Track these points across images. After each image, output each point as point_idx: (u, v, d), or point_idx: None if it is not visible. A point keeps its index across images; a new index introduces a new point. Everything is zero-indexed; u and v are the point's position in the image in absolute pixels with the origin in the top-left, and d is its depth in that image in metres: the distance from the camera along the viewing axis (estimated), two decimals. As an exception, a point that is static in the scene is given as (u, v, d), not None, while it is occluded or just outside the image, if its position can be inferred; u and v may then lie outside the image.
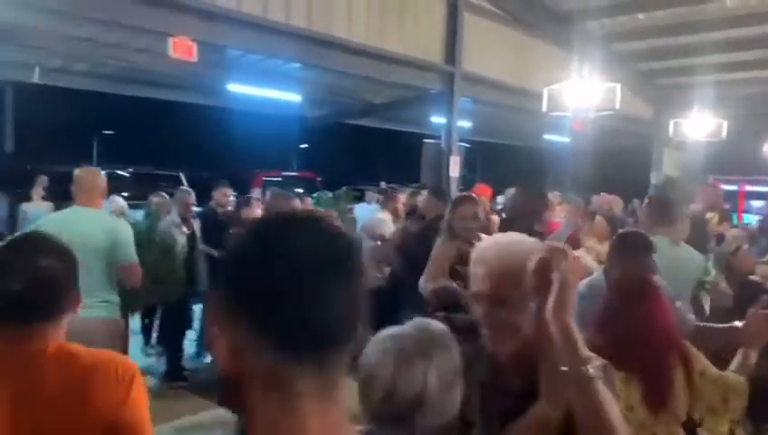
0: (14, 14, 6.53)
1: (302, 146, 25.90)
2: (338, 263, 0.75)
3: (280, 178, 14.30)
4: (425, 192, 6.62)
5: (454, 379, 1.27)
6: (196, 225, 6.16)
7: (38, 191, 8.21)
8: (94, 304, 3.14)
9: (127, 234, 3.52)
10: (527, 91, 10.09)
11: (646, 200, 5.35)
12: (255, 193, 10.60)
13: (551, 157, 17.70)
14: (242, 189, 10.56)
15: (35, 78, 8.75)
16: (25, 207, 8.06)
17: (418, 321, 1.36)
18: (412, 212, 5.09)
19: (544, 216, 4.03)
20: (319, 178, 15.53)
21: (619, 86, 6.35)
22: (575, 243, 5.18)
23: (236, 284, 0.75)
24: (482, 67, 9.52)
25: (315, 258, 0.74)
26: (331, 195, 9.20)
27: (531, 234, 3.35)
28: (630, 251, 2.74)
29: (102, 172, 4.04)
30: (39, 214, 7.83)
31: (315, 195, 9.45)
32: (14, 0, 5.51)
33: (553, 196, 6.32)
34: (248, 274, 0.74)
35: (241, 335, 0.73)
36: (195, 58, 6.18)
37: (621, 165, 14.12)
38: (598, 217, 6.22)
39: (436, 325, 1.34)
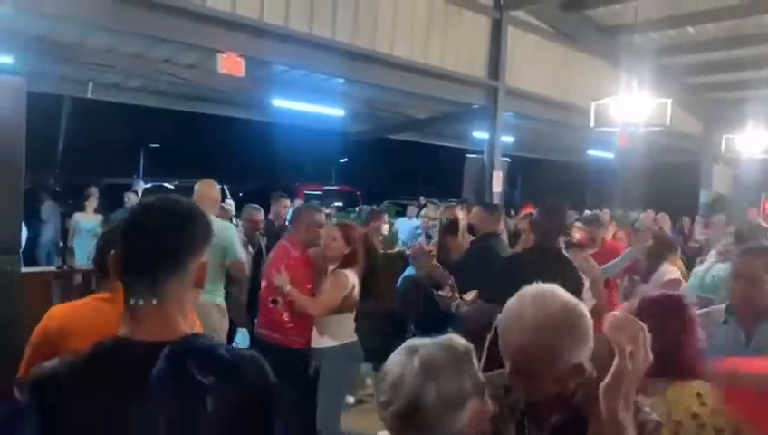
0: (72, 32, 6.81)
1: (343, 160, 26.10)
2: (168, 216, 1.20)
3: (321, 192, 14.42)
4: (465, 207, 6.58)
5: (458, 400, 1.26)
6: (263, 243, 5.57)
7: (90, 203, 8.44)
8: (209, 291, 3.96)
9: (234, 235, 4.41)
10: (571, 105, 9.96)
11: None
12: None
13: (594, 173, 17.39)
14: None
15: (89, 93, 9.05)
16: (77, 217, 8.29)
17: (446, 337, 1.36)
18: (449, 227, 4.98)
19: (564, 232, 3.92)
20: (358, 193, 15.60)
21: (670, 102, 6.19)
22: (634, 270, 5.02)
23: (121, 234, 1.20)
24: (526, 82, 9.44)
25: (154, 214, 1.21)
26: (371, 209, 9.19)
27: (554, 249, 3.34)
28: None
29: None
30: (91, 225, 8.04)
31: (357, 208, 9.46)
32: (71, 18, 5.69)
33: (604, 213, 6.16)
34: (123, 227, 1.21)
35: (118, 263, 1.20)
36: (242, 73, 6.30)
37: (669, 182, 13.76)
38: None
39: (462, 343, 1.34)
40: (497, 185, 9.23)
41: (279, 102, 9.63)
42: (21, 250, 6.54)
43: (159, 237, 1.19)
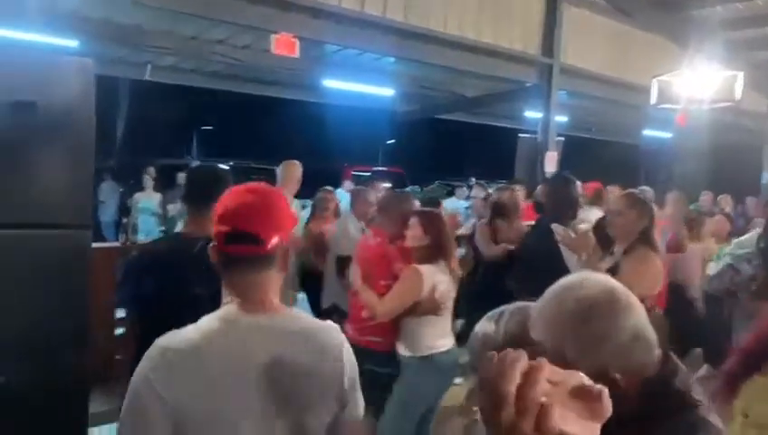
0: (130, 15, 6.98)
1: (390, 142, 26.04)
2: None
3: (369, 174, 14.44)
4: (518, 187, 6.44)
5: None
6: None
7: (148, 183, 8.73)
8: None
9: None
10: (628, 83, 9.64)
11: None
12: (345, 186, 10.76)
13: (650, 153, 16.81)
14: (333, 184, 10.74)
15: (147, 75, 9.29)
16: (137, 196, 8.60)
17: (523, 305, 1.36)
18: (499, 208, 4.80)
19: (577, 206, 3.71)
20: (405, 174, 15.55)
21: (741, 74, 5.87)
22: (678, 247, 4.86)
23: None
24: (581, 59, 9.17)
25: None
26: (420, 190, 9.19)
27: (566, 224, 3.19)
28: None
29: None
30: (149, 203, 8.35)
31: (406, 190, 9.45)
32: (129, 1, 5.84)
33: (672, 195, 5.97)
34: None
35: None
36: (297, 54, 6.34)
37: (729, 163, 13.17)
38: (718, 217, 5.83)
39: None
40: (551, 165, 9.04)
41: (330, 83, 9.66)
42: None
43: None
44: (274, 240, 1.38)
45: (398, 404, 3.03)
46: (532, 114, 10.74)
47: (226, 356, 1.29)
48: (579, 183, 3.67)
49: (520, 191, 6.25)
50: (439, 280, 3.00)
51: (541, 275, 1.41)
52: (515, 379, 0.64)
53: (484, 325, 1.30)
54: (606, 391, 0.69)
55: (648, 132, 15.88)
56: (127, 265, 2.74)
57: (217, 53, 8.21)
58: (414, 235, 3.04)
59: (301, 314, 1.50)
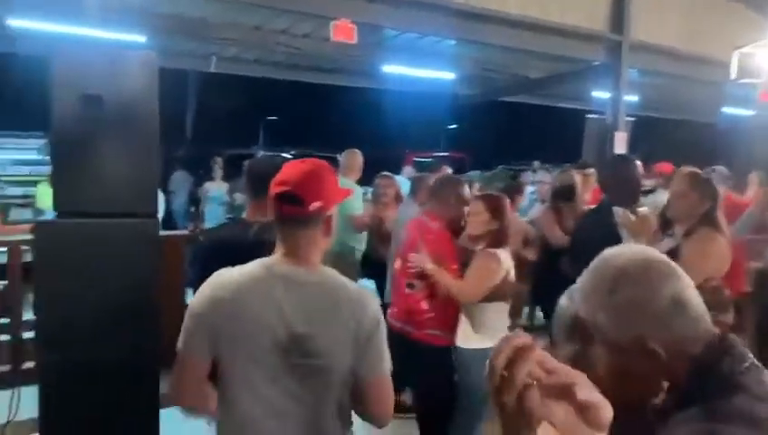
0: (195, 8, 7.15)
1: (452, 127, 25.74)
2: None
3: (430, 159, 14.33)
4: (590, 171, 6.17)
5: None
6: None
7: (217, 172, 8.97)
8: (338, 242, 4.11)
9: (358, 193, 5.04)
10: (705, 58, 9.09)
11: None
12: (406, 172, 10.71)
13: (729, 133, 15.83)
14: (394, 170, 10.70)
15: (212, 67, 9.52)
16: (207, 186, 8.86)
17: None
18: (562, 192, 4.60)
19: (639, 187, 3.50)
20: (467, 159, 15.32)
21: (833, 44, 5.41)
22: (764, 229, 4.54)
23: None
24: (652, 34, 8.69)
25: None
26: (482, 175, 9.01)
27: (631, 207, 3.00)
28: None
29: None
30: (218, 193, 8.58)
31: (468, 175, 9.31)
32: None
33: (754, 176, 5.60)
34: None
35: None
36: (355, 40, 6.32)
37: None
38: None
39: None
40: (620, 147, 8.67)
41: (389, 68, 9.60)
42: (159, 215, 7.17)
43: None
44: (316, 204, 1.60)
45: (470, 407, 2.87)
46: (600, 94, 10.31)
47: (258, 295, 1.56)
48: (639, 164, 3.47)
49: (591, 176, 5.99)
50: (510, 265, 2.94)
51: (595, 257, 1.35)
52: (506, 354, 0.69)
53: (561, 300, 1.23)
54: (602, 407, 0.69)
55: (726, 110, 14.95)
56: (195, 250, 3.32)
57: (280, 42, 8.30)
58: (481, 220, 2.95)
59: (334, 273, 1.67)
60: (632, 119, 9.43)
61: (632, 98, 11.20)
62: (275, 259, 1.63)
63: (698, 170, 2.89)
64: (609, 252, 1.13)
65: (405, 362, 2.31)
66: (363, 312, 1.60)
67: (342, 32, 6.32)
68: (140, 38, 7.11)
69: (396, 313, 3.14)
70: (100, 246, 3.31)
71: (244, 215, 5.09)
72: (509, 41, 7.66)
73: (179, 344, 1.61)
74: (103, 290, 3.30)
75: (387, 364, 1.63)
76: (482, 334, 2.88)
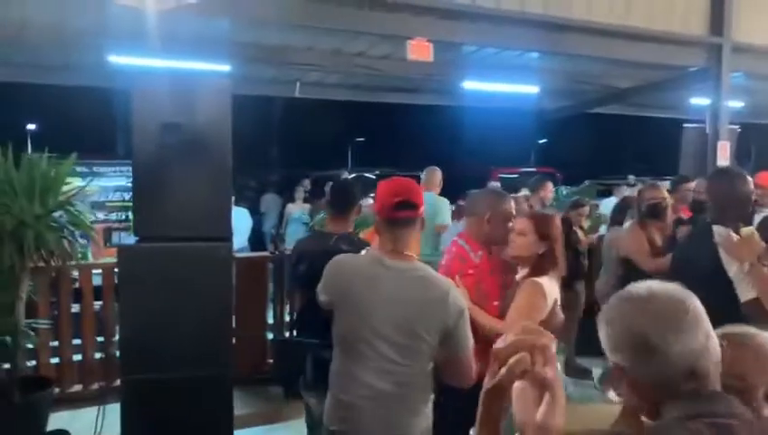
0: (276, 35, 7.39)
1: (542, 141, 25.06)
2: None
3: (516, 175, 13.95)
4: (693, 184, 5.66)
5: None
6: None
7: (299, 194, 9.22)
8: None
9: (443, 205, 5.83)
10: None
11: None
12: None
13: None
14: (478, 187, 10.49)
15: (297, 92, 9.81)
16: (290, 208, 9.12)
17: None
18: (649, 210, 4.24)
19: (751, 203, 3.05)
20: (558, 173, 14.77)
21: None
22: None
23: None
24: (758, 35, 8.00)
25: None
26: (566, 191, 8.58)
27: (741, 216, 2.63)
28: None
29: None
30: (300, 214, 8.81)
31: (557, 189, 8.91)
32: (280, 22, 6.14)
33: None
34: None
35: None
36: (431, 58, 6.26)
37: None
38: None
39: None
40: (723, 157, 8.01)
41: (470, 85, 9.46)
42: (245, 239, 7.41)
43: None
44: (422, 209, 2.18)
45: None
46: (700, 101, 9.62)
47: (366, 276, 2.06)
48: (750, 179, 3.07)
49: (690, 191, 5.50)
50: (556, 295, 2.59)
51: (695, 283, 1.26)
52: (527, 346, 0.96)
53: None
54: (544, 380, 0.92)
55: None
56: (290, 257, 3.62)
57: (359, 65, 8.41)
58: (527, 241, 2.61)
59: (425, 266, 2.13)
60: (737, 127, 8.71)
61: (737, 104, 10.36)
62: (384, 251, 2.11)
63: None
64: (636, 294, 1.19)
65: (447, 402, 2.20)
66: (452, 300, 2.05)
67: (419, 50, 6.29)
68: (225, 67, 7.42)
69: None
70: (178, 268, 3.42)
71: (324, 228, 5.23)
72: (594, 50, 7.31)
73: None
74: (181, 310, 3.40)
75: (467, 346, 2.08)
76: None
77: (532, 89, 10.03)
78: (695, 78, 8.49)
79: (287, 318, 5.39)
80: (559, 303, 2.60)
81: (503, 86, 9.48)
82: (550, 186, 5.94)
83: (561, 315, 2.60)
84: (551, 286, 2.56)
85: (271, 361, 5.25)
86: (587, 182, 9.06)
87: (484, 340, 2.49)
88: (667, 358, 1.06)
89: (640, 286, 1.17)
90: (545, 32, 6.84)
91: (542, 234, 2.62)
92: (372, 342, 2.00)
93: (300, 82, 9.67)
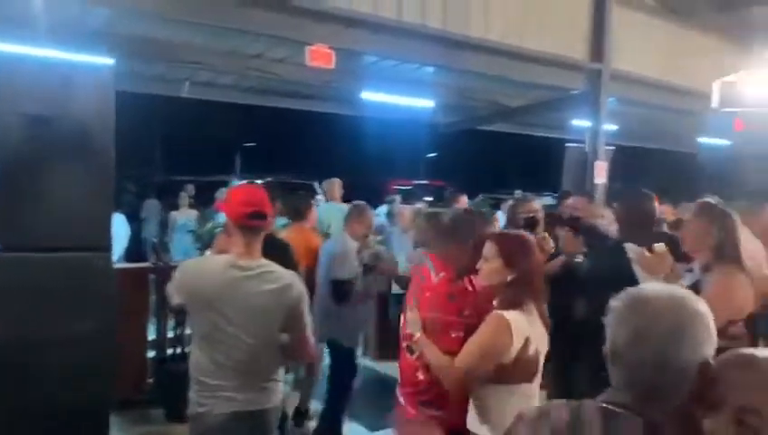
0: (166, 31, 6.93)
1: (432, 155, 25.75)
2: None
3: (410, 187, 14.17)
4: (573, 199, 6.01)
5: None
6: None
7: (183, 200, 8.68)
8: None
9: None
10: (684, 88, 9.12)
11: None
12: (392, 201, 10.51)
13: (707, 162, 15.97)
14: (373, 198, 10.49)
15: (185, 92, 9.28)
16: (174, 215, 8.55)
17: None
18: (527, 222, 4.42)
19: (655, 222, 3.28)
20: (449, 187, 15.20)
21: (815, 74, 5.39)
22: None
23: None
24: (632, 64, 8.68)
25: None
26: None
27: (651, 240, 2.79)
28: None
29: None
30: (186, 221, 8.27)
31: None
32: (166, 17, 5.75)
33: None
34: None
35: None
36: (332, 65, 6.15)
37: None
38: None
39: None
40: (600, 176, 8.56)
41: (368, 95, 9.46)
42: (122, 247, 6.85)
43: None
44: (270, 218, 2.48)
45: None
46: (580, 123, 10.27)
47: (220, 277, 2.25)
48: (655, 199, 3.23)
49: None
50: (529, 333, 2.12)
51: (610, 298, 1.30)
52: None
53: None
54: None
55: (704, 140, 15.11)
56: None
57: (254, 67, 8.10)
58: (492, 268, 2.19)
59: (270, 262, 2.35)
60: (612, 148, 9.37)
61: (612, 127, 11.19)
62: (236, 255, 2.30)
63: (712, 201, 2.69)
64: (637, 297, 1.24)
65: None
66: (294, 293, 2.33)
67: (319, 57, 6.15)
68: (108, 61, 6.82)
69: (400, 379, 2.54)
70: (49, 281, 3.01)
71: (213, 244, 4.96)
72: (488, 68, 7.57)
73: None
74: (53, 329, 3.00)
75: (309, 325, 2.39)
76: (489, 425, 2.13)
77: (427, 103, 10.22)
78: (577, 100, 9.04)
79: (170, 334, 5.02)
80: (536, 342, 2.14)
81: (400, 99, 9.57)
82: (464, 199, 5.97)
83: (536, 358, 2.15)
84: (521, 323, 2.11)
85: (151, 380, 4.84)
86: (481, 196, 9.33)
87: (434, 381, 2.24)
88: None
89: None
90: (443, 47, 6.98)
91: (509, 258, 2.18)
92: (230, 332, 2.24)
93: (189, 81, 9.17)
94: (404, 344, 2.47)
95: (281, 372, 2.42)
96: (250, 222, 2.28)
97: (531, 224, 4.12)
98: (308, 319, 2.38)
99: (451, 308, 2.35)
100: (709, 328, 1.18)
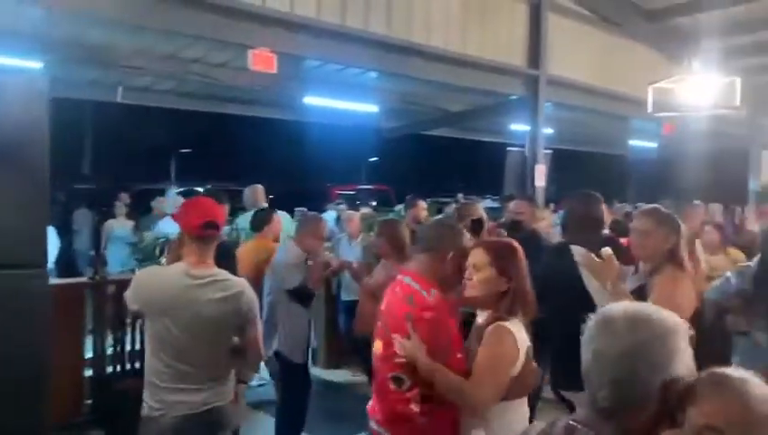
0: (99, 33, 6.62)
1: (373, 159, 25.78)
2: None
3: (353, 192, 14.14)
4: (514, 203, 6.15)
5: None
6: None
7: (120, 209, 8.31)
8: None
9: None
10: (616, 94, 9.50)
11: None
12: (330, 208, 10.43)
13: (636, 164, 16.71)
14: (316, 204, 10.40)
15: (119, 97, 8.91)
16: (110, 225, 8.16)
17: None
18: (474, 226, 4.49)
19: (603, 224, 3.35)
20: (393, 192, 15.26)
21: (738, 80, 5.69)
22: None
23: None
24: (568, 70, 8.98)
25: None
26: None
27: (599, 244, 2.83)
28: None
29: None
30: (123, 232, 7.91)
31: (397, 208, 9.14)
32: (101, 19, 5.48)
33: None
34: None
35: None
36: (275, 70, 6.03)
37: (716, 170, 13.10)
38: (708, 228, 5.62)
39: None
40: (540, 179, 8.81)
41: (311, 100, 9.36)
42: (51, 261, 6.47)
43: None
44: (222, 228, 2.84)
45: None
46: (519, 127, 10.54)
47: (174, 284, 2.38)
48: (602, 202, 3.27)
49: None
50: (527, 341, 2.08)
51: (568, 299, 1.47)
52: None
53: None
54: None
55: (634, 143, 15.81)
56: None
57: (193, 72, 7.87)
58: (484, 277, 2.11)
59: (223, 271, 2.50)
60: (550, 151, 9.65)
61: (548, 131, 11.54)
62: (189, 263, 2.43)
63: (661, 207, 2.77)
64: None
65: None
66: (245, 299, 2.48)
67: (261, 61, 6.01)
68: (36, 64, 6.47)
69: (377, 413, 2.24)
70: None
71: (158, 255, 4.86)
72: (431, 74, 7.62)
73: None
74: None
75: (259, 330, 2.57)
76: None
77: (371, 108, 10.22)
78: (516, 105, 9.27)
79: (109, 351, 4.79)
80: (530, 357, 2.10)
81: (343, 103, 9.53)
82: (422, 204, 5.84)
83: (533, 371, 2.12)
84: (521, 332, 2.07)
85: (90, 401, 4.61)
86: (428, 200, 9.39)
87: (442, 400, 2.06)
88: None
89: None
90: (386, 53, 6.97)
91: (503, 267, 2.12)
92: (182, 338, 2.36)
93: (123, 86, 8.81)
94: (390, 376, 2.15)
95: (231, 373, 2.56)
96: (203, 232, 2.42)
97: (478, 226, 4.17)
98: (259, 323, 2.58)
99: (453, 325, 2.18)
100: (674, 347, 1.18)
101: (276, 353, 3.88)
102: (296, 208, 8.08)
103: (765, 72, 10.76)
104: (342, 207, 9.33)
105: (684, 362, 1.19)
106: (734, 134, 12.66)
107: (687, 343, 1.22)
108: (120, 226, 8.03)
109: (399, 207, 9.11)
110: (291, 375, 3.88)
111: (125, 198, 9.09)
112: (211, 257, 2.46)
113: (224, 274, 2.47)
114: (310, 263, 3.95)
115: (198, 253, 2.41)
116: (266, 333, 4.02)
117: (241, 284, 2.50)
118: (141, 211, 8.81)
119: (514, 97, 8.94)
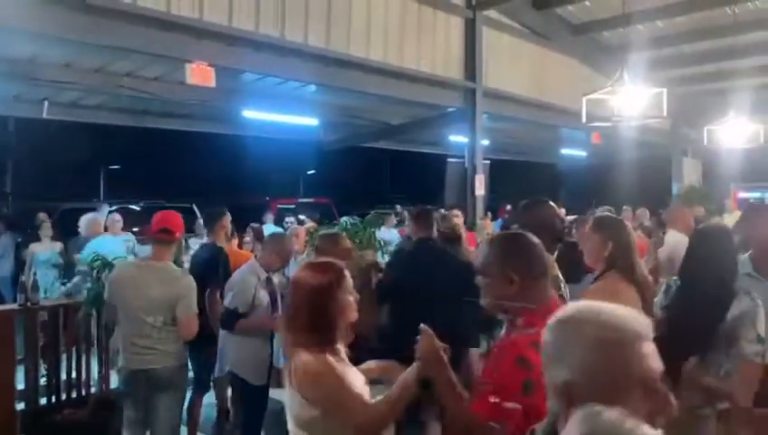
0: (23, 47, 6.29)
1: (311, 172, 25.60)
2: None
3: (294, 206, 13.97)
4: (456, 212, 6.25)
5: None
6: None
7: (44, 231, 7.73)
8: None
9: None
10: (550, 104, 9.84)
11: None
12: (268, 220, 10.23)
13: (567, 172, 17.37)
14: (255, 218, 10.18)
15: (44, 113, 8.46)
16: (33, 248, 7.60)
17: None
18: (449, 237, 4.55)
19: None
20: (334, 204, 15.17)
21: (665, 91, 6.02)
22: None
23: None
24: (503, 83, 9.25)
25: None
26: (356, 221, 8.75)
27: (554, 244, 2.81)
28: None
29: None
30: (48, 255, 7.35)
31: (343, 220, 9.04)
32: (24, 32, 5.20)
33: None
34: None
35: None
36: (213, 83, 5.90)
37: (642, 177, 13.78)
38: (638, 233, 5.87)
39: None
40: (480, 188, 8.98)
41: (250, 114, 9.20)
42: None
43: None
44: (178, 233, 3.56)
45: None
46: (457, 139, 10.73)
47: (133, 276, 3.42)
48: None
49: (458, 217, 6.09)
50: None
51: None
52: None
53: None
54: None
55: (565, 151, 16.42)
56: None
57: (125, 85, 7.58)
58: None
59: (171, 264, 3.55)
60: (488, 162, 9.87)
61: (484, 142, 11.81)
62: (149, 258, 3.50)
63: (608, 213, 2.84)
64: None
65: None
66: (183, 284, 3.40)
67: (200, 74, 5.87)
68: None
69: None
70: None
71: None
72: (370, 87, 7.66)
73: None
74: None
75: (192, 311, 3.40)
76: None
77: (311, 121, 10.16)
78: (453, 117, 9.45)
79: (42, 381, 4.50)
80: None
81: (283, 117, 9.43)
82: (392, 219, 5.86)
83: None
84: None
85: (22, 437, 4.33)
86: (373, 212, 9.36)
87: None
88: None
89: None
90: (325, 66, 6.96)
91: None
92: (134, 314, 3.31)
93: (48, 101, 8.38)
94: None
95: (176, 342, 3.37)
96: (157, 235, 3.42)
97: (453, 237, 4.29)
98: (193, 307, 3.38)
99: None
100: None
101: (232, 374, 3.77)
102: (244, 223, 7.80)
103: (686, 83, 11.44)
104: (291, 220, 9.18)
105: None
106: (657, 142, 13.37)
107: None
108: (46, 249, 7.49)
109: (346, 218, 9.03)
110: (244, 398, 3.76)
111: (45, 218, 8.52)
112: (166, 255, 3.46)
113: (170, 265, 3.47)
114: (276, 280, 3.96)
115: (155, 251, 3.44)
116: (220, 353, 3.96)
117: (181, 272, 3.56)
118: (68, 232, 8.29)
119: (452, 109, 9.10)
